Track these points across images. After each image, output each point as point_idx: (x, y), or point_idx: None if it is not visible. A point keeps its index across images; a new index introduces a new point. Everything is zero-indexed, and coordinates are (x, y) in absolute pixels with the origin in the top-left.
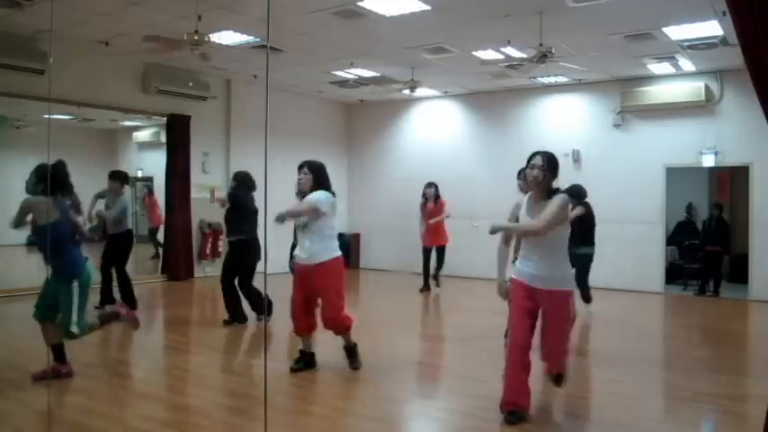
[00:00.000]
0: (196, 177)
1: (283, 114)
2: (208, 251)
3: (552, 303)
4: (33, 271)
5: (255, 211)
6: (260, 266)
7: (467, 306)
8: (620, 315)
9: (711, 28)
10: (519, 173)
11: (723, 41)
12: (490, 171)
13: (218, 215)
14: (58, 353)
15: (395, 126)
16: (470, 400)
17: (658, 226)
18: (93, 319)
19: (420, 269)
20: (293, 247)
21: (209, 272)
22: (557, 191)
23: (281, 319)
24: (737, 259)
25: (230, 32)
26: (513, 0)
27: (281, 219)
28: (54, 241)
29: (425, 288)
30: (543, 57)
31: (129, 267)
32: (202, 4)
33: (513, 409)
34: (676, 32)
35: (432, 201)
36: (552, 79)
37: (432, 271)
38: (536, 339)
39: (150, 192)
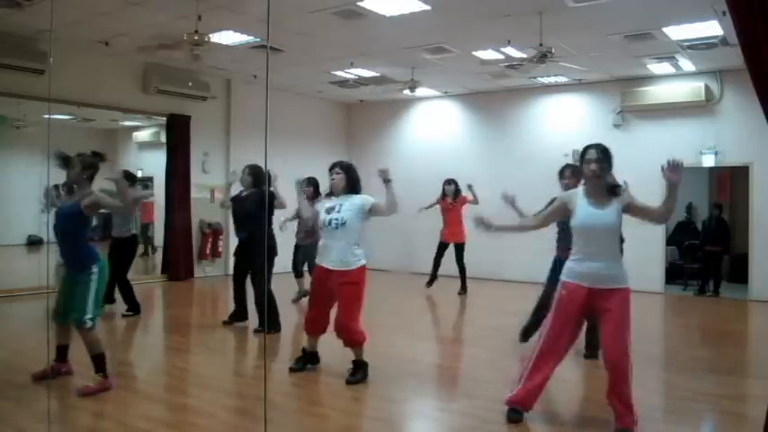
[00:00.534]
0: (196, 177)
1: (283, 114)
2: (208, 251)
3: (616, 302)
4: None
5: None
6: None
7: (467, 306)
8: None
9: (711, 28)
10: (561, 172)
11: (723, 41)
12: (490, 171)
13: (218, 215)
14: (62, 352)
15: (395, 126)
16: (470, 400)
17: (658, 226)
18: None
19: (420, 269)
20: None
21: (209, 272)
22: (616, 185)
23: (282, 319)
24: (737, 259)
25: (230, 32)
26: (513, 0)
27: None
28: (67, 232)
29: (431, 281)
30: (543, 57)
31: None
32: (202, 4)
33: (519, 409)
34: (676, 32)
35: (451, 197)
36: (552, 79)
37: (447, 272)
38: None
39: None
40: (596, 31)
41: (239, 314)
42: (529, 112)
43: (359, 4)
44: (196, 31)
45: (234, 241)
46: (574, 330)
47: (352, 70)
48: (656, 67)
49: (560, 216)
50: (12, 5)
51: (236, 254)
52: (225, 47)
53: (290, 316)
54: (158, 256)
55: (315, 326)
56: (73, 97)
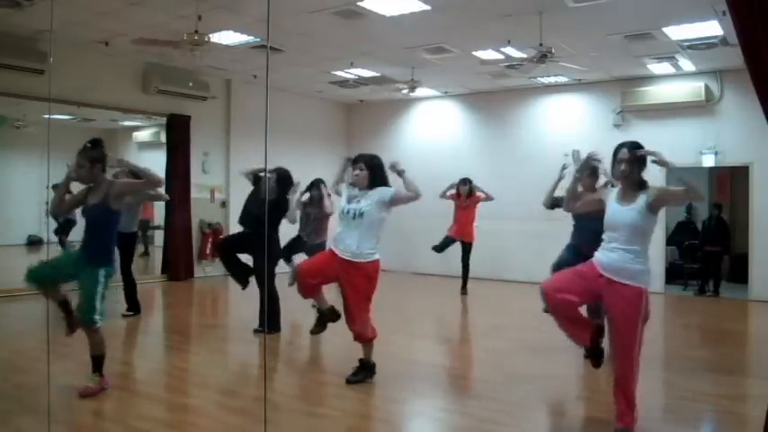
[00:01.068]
0: (196, 177)
1: (283, 114)
2: (208, 251)
3: (620, 299)
4: None
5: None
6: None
7: (467, 306)
8: None
9: (711, 28)
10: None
11: (723, 41)
12: (490, 171)
13: (218, 215)
14: (66, 307)
15: (395, 126)
16: (470, 400)
17: (658, 226)
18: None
19: (420, 269)
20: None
21: (209, 272)
22: (645, 183)
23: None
24: (737, 259)
25: (230, 32)
26: (513, 0)
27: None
28: (94, 224)
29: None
30: (543, 57)
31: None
32: (202, 4)
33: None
34: (676, 32)
35: (465, 195)
36: (552, 79)
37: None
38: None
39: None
40: (596, 31)
41: (243, 273)
42: (529, 112)
43: (359, 4)
44: (196, 31)
45: None
46: (581, 289)
47: (352, 70)
48: (656, 67)
49: (594, 207)
50: (12, 5)
51: (236, 235)
52: (225, 47)
53: (290, 316)
54: (158, 257)
55: (310, 276)
56: (73, 97)
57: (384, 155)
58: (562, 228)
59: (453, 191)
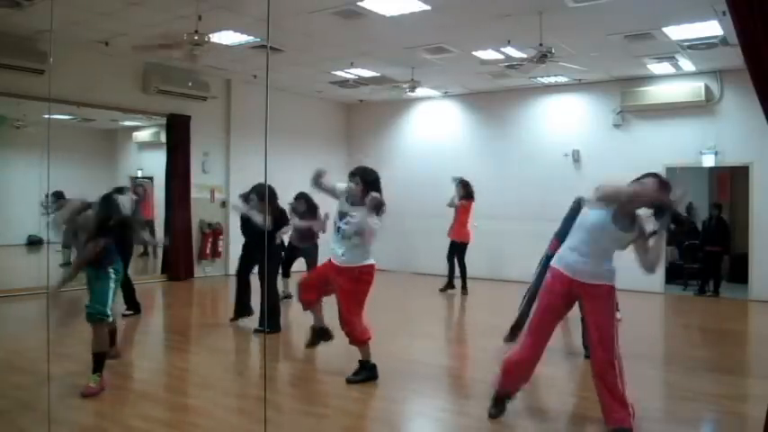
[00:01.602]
0: (196, 177)
1: (283, 114)
2: (208, 251)
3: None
4: (33, 271)
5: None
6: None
7: (467, 306)
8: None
9: (711, 28)
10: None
11: (723, 41)
12: (490, 171)
13: (218, 215)
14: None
15: (395, 126)
16: (470, 400)
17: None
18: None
19: (420, 269)
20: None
21: (209, 272)
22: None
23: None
24: (737, 259)
25: (230, 32)
26: (513, 0)
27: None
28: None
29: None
30: (543, 57)
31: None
32: (202, 4)
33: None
34: (676, 32)
35: (465, 197)
36: (552, 79)
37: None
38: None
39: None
40: (596, 31)
41: (242, 310)
42: (529, 112)
43: (359, 4)
44: (196, 31)
45: (234, 242)
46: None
47: (352, 70)
48: (656, 67)
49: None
50: (12, 5)
51: (243, 250)
52: (225, 47)
53: (290, 316)
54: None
55: (307, 291)
56: (73, 97)
57: (384, 155)
58: None
59: (459, 196)
